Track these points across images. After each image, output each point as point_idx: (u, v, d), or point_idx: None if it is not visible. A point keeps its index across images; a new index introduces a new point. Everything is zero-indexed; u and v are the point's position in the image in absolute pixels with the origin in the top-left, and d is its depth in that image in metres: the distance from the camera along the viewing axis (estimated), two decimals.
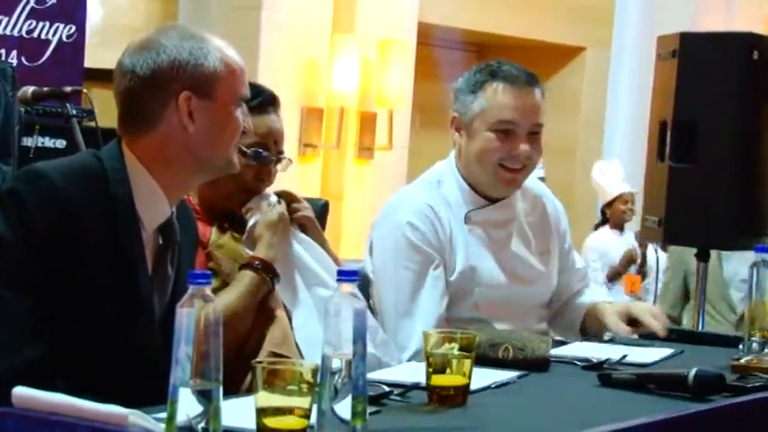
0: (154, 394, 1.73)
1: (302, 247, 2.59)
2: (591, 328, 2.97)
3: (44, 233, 1.94)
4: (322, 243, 2.66)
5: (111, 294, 2.00)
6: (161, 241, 2.11)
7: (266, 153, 2.54)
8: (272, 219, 2.50)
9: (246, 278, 2.44)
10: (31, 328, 1.93)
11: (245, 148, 2.45)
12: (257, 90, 2.47)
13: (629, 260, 6.00)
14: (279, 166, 2.58)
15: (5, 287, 1.94)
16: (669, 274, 5.23)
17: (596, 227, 6.64)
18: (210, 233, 2.53)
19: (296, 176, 5.51)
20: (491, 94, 2.77)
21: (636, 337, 2.86)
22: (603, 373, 2.29)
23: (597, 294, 3.13)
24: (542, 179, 5.67)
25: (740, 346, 2.65)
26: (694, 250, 4.37)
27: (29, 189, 1.96)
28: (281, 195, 2.62)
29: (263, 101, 2.54)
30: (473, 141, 2.80)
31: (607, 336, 2.92)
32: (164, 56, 2.04)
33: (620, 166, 6.43)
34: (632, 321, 2.85)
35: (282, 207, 2.55)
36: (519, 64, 2.85)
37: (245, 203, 2.54)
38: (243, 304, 2.41)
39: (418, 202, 2.81)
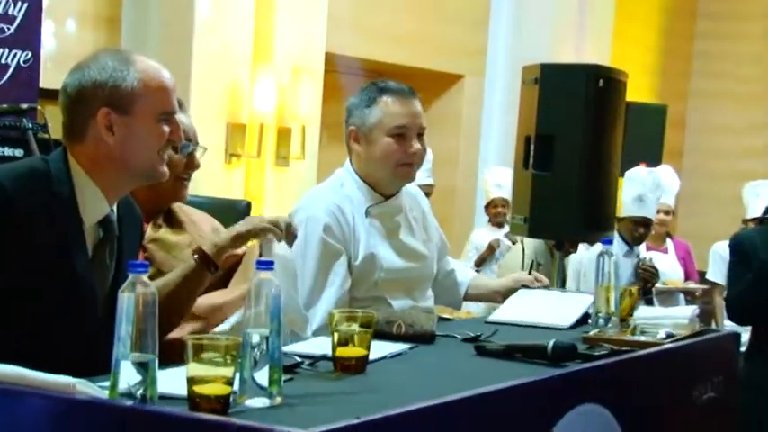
0: (94, 369, 1.70)
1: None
2: (472, 296, 3.12)
3: None
4: None
5: (53, 279, 1.95)
6: (101, 234, 2.06)
7: (191, 144, 2.58)
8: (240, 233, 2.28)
9: (183, 264, 2.31)
10: None
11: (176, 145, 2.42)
12: None
13: (490, 248, 6.05)
14: (198, 153, 2.60)
15: None
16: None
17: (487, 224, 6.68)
18: (146, 230, 2.48)
19: (223, 181, 5.46)
20: (384, 106, 2.79)
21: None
22: (479, 344, 2.32)
23: (464, 269, 3.26)
24: (431, 185, 5.72)
25: (589, 322, 2.70)
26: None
27: None
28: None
29: None
30: (373, 147, 2.80)
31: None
32: (87, 77, 2.02)
33: (493, 174, 6.46)
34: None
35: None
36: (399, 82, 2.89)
37: (175, 189, 2.55)
38: (173, 283, 2.25)
39: (326, 200, 2.81)
